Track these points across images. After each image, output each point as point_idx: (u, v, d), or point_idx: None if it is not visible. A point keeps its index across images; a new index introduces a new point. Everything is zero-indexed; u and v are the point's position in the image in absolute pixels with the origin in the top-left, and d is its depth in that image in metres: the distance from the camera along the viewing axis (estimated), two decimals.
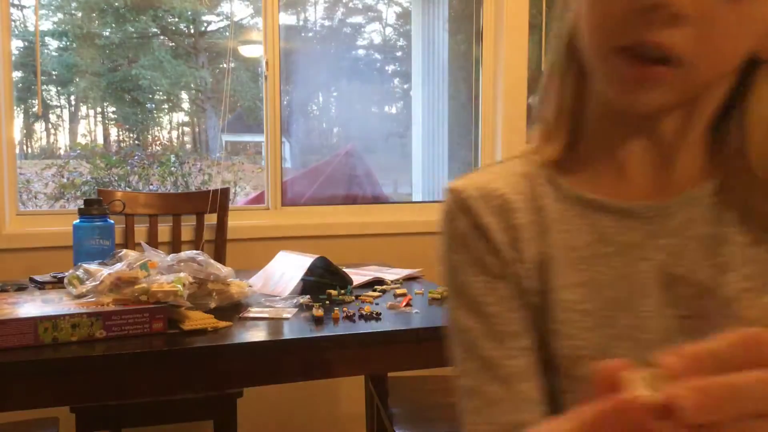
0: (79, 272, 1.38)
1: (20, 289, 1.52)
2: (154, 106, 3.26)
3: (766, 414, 0.28)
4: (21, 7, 2.69)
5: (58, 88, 3.15)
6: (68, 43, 2.91)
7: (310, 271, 1.66)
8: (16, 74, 2.52)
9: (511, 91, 2.71)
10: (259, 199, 2.73)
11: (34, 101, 2.77)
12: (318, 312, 1.34)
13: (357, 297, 1.54)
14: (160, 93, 3.15)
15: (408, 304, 1.47)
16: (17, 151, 2.36)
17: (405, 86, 3.33)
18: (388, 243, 2.59)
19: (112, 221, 1.78)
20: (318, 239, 2.51)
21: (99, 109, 3.21)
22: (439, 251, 0.65)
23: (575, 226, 0.61)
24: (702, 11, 0.49)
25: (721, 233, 0.58)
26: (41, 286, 1.56)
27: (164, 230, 2.31)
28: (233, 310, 1.39)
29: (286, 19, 2.97)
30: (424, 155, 3.15)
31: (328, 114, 3.44)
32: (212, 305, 1.37)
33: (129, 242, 2.22)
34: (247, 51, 2.96)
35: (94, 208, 1.74)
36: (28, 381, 1.10)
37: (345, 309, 1.40)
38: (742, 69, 0.56)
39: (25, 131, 3.06)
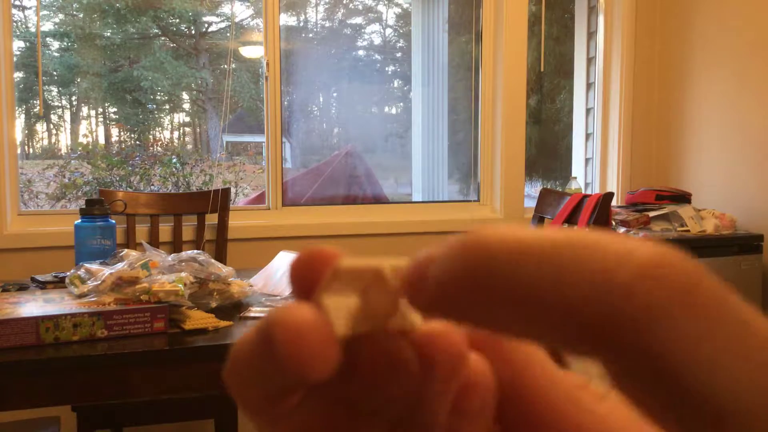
0: (81, 272, 1.39)
1: (22, 288, 1.53)
2: (155, 106, 3.27)
3: None
4: (22, 8, 2.70)
5: (60, 89, 3.15)
6: (69, 44, 2.92)
7: None
8: (18, 75, 2.53)
9: (510, 91, 2.72)
10: (259, 199, 2.74)
11: (35, 102, 2.78)
12: None
13: None
14: (161, 94, 3.16)
15: None
16: (19, 151, 2.37)
17: (405, 87, 3.34)
18: (388, 243, 2.60)
19: (113, 221, 1.79)
20: (318, 239, 2.52)
21: (100, 110, 3.22)
22: None
23: None
24: None
25: None
26: (43, 285, 1.57)
27: (165, 230, 2.32)
28: (234, 309, 1.40)
29: (287, 20, 2.98)
30: (424, 155, 3.16)
31: (328, 114, 3.45)
32: (213, 305, 1.38)
33: (130, 242, 2.23)
34: (248, 52, 2.97)
35: (96, 208, 1.75)
36: (30, 380, 1.11)
37: None
38: None
39: (26, 131, 3.07)
